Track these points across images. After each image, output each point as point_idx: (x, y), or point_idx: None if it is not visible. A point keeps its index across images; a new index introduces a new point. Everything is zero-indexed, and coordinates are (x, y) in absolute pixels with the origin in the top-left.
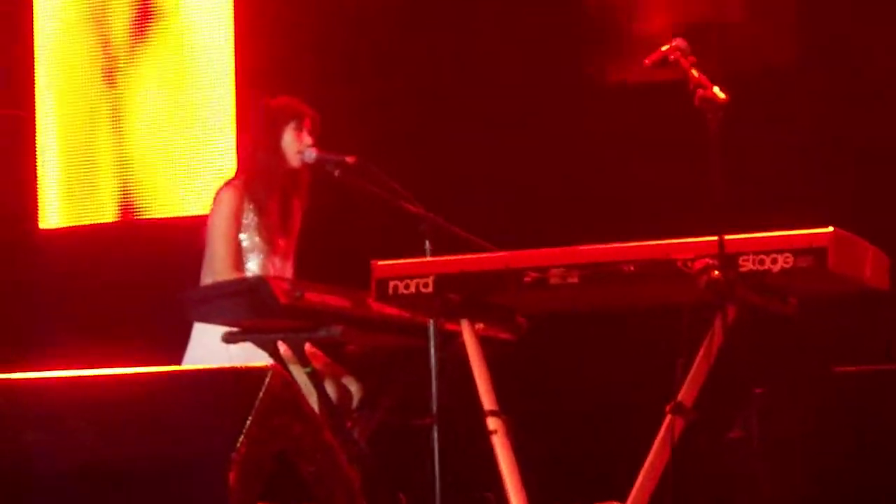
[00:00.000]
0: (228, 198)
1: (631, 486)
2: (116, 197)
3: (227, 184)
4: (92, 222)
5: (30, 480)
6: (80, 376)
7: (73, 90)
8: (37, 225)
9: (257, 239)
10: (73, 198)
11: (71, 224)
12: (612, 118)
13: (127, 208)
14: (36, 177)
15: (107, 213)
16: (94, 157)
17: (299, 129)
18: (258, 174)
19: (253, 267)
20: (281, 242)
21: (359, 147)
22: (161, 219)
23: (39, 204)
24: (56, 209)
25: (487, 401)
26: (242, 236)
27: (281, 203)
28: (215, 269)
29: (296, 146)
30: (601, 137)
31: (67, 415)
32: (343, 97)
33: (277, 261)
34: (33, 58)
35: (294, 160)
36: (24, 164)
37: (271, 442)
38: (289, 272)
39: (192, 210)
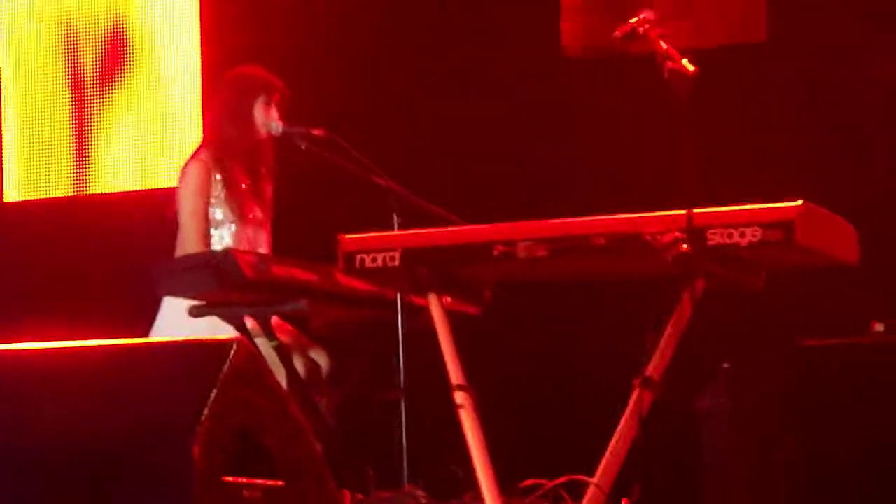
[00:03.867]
0: (195, 172)
1: (599, 459)
2: (77, 170)
3: (194, 157)
4: (53, 196)
5: None
6: (44, 349)
7: (32, 64)
8: (0, 198)
9: (228, 211)
10: (34, 171)
11: (33, 197)
12: (581, 91)
13: (89, 182)
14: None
15: (68, 187)
16: (54, 130)
17: (268, 104)
18: (225, 145)
19: (226, 239)
20: (253, 213)
21: (325, 121)
22: (125, 192)
23: (4, 177)
24: (17, 183)
25: (455, 375)
26: (213, 210)
27: (250, 173)
28: (184, 246)
29: (263, 120)
30: (570, 110)
31: (31, 387)
32: (309, 70)
33: (251, 232)
34: None
35: (261, 131)
36: None
37: (236, 415)
38: (263, 243)
39: (157, 184)
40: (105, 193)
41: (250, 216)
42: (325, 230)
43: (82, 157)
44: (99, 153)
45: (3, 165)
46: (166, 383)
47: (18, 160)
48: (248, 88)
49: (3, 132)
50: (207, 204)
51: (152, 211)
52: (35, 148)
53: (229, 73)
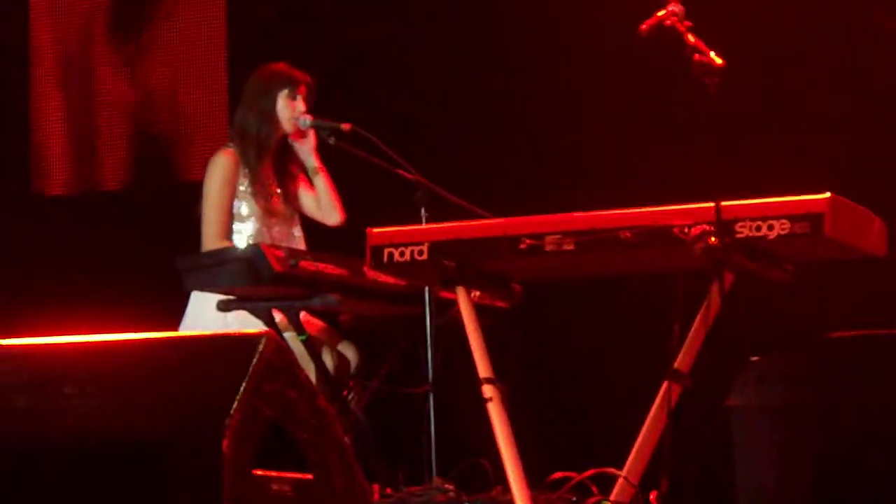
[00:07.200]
0: (222, 165)
1: (627, 453)
2: (116, 164)
3: (222, 150)
4: (92, 189)
5: (22, 446)
6: (74, 342)
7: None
8: (42, 191)
9: (254, 205)
10: (76, 165)
11: (73, 191)
12: (607, 84)
13: (126, 176)
14: (38, 144)
15: (107, 181)
16: (95, 124)
17: (293, 97)
18: (251, 141)
19: (251, 233)
20: (280, 207)
21: (352, 115)
22: (151, 186)
23: (43, 170)
24: (59, 176)
25: (483, 368)
26: (240, 203)
27: (277, 168)
28: (204, 237)
29: (289, 113)
30: (597, 103)
31: (62, 381)
32: (334, 65)
33: (276, 228)
34: (28, 22)
35: (287, 126)
36: (27, 130)
37: (265, 409)
38: (289, 239)
39: (185, 177)
40: (130, 187)
41: (276, 212)
42: (353, 224)
43: (111, 151)
44: (126, 147)
45: (42, 159)
46: (196, 377)
47: (55, 154)
48: (270, 84)
49: (38, 126)
50: (232, 197)
51: (180, 204)
52: (69, 144)
53: (253, 71)
